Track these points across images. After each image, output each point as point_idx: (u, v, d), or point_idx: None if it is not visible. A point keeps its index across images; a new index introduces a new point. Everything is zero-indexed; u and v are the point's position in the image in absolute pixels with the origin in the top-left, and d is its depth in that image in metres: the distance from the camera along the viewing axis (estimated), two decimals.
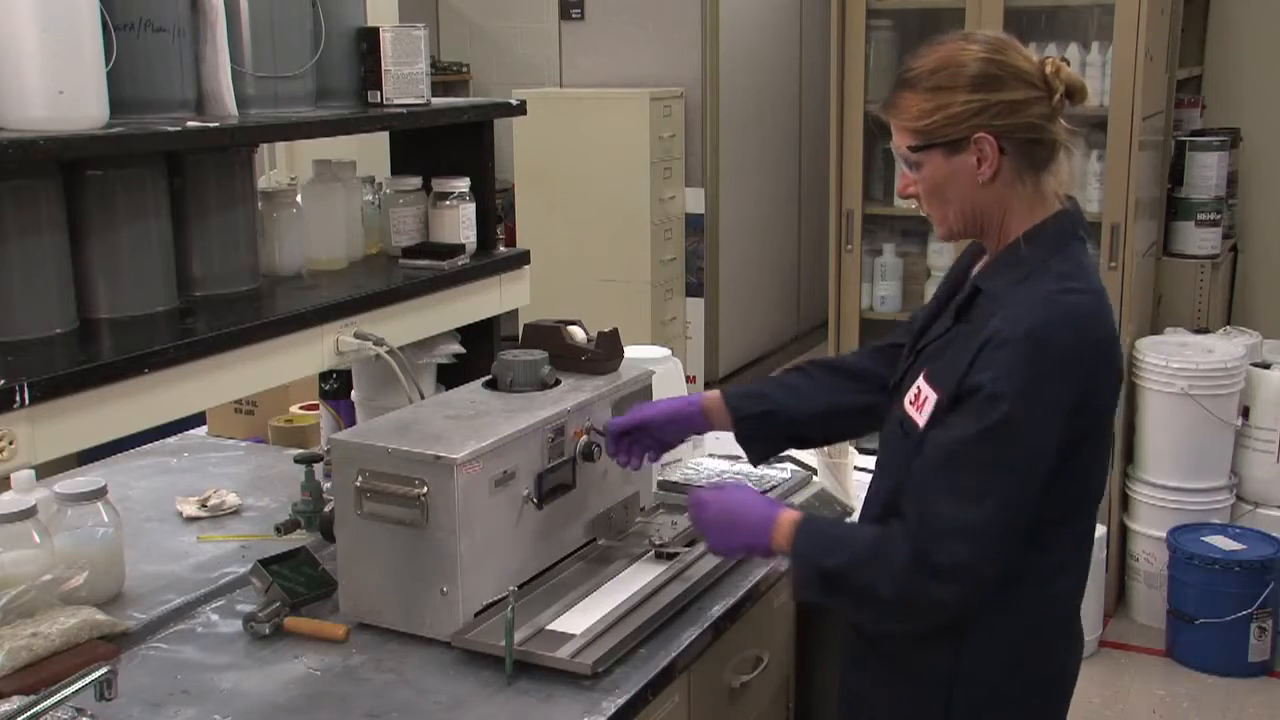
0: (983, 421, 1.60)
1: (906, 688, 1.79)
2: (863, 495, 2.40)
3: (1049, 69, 1.65)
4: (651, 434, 2.08)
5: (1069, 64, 1.69)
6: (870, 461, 2.68)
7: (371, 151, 2.57)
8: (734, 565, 2.12)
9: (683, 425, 2.09)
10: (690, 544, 2.10)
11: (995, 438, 1.60)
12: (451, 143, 2.39)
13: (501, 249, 2.45)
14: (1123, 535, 4.35)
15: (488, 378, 2.13)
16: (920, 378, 1.73)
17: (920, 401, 1.72)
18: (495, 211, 2.46)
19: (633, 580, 2.00)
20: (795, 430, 2.07)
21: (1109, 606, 4.27)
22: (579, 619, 1.87)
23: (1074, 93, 1.66)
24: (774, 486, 2.40)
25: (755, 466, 2.18)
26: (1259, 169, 5.60)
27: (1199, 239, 4.98)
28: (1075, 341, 1.62)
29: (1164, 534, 4.10)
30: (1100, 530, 3.70)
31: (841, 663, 1.91)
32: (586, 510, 2.08)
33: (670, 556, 2.07)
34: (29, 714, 1.52)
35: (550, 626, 1.86)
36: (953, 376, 1.65)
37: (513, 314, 2.47)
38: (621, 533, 2.14)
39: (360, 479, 1.85)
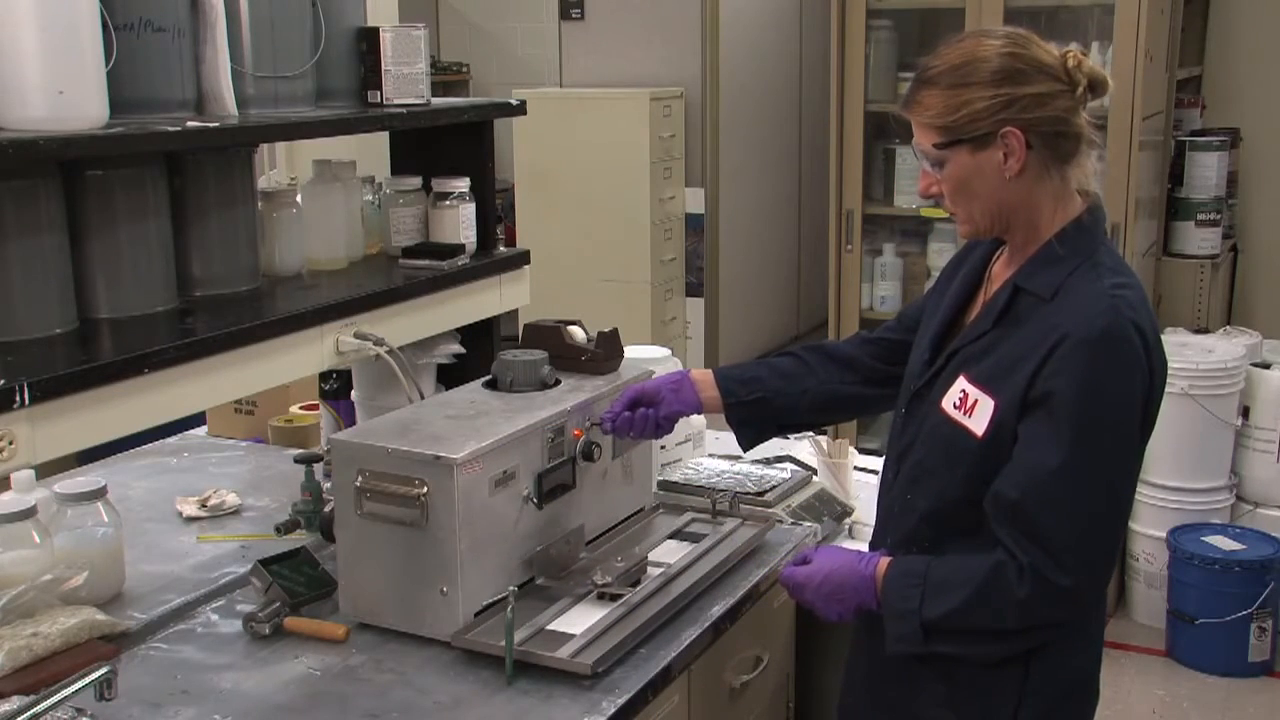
0: (1074, 429, 1.58)
1: (973, 705, 1.74)
2: (863, 495, 2.42)
3: (1070, 61, 1.64)
4: (645, 405, 2.04)
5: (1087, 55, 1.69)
6: (870, 461, 2.69)
7: (371, 151, 2.57)
8: (734, 565, 2.12)
9: (674, 392, 2.04)
10: (635, 584, 1.97)
11: (1090, 443, 1.59)
12: (451, 143, 2.39)
13: (501, 249, 2.45)
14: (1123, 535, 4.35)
15: (488, 378, 2.13)
16: (962, 380, 1.70)
17: (969, 406, 1.68)
18: (495, 211, 2.46)
19: (579, 619, 1.88)
20: (787, 419, 2.07)
21: (1109, 606, 4.27)
22: (579, 619, 1.87)
23: (1096, 85, 1.65)
24: (774, 487, 2.40)
25: (745, 452, 2.14)
26: (1259, 169, 5.60)
27: (1199, 239, 4.98)
28: (1141, 336, 1.61)
29: (1164, 534, 4.10)
30: None
31: (881, 679, 1.84)
32: (587, 510, 2.08)
33: (614, 598, 1.92)
34: (29, 714, 1.52)
35: (550, 626, 1.85)
36: (1015, 381, 1.63)
37: (513, 314, 2.47)
38: (564, 569, 2.01)
39: (360, 479, 1.85)
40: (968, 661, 1.71)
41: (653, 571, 2.02)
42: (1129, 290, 1.64)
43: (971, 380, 1.69)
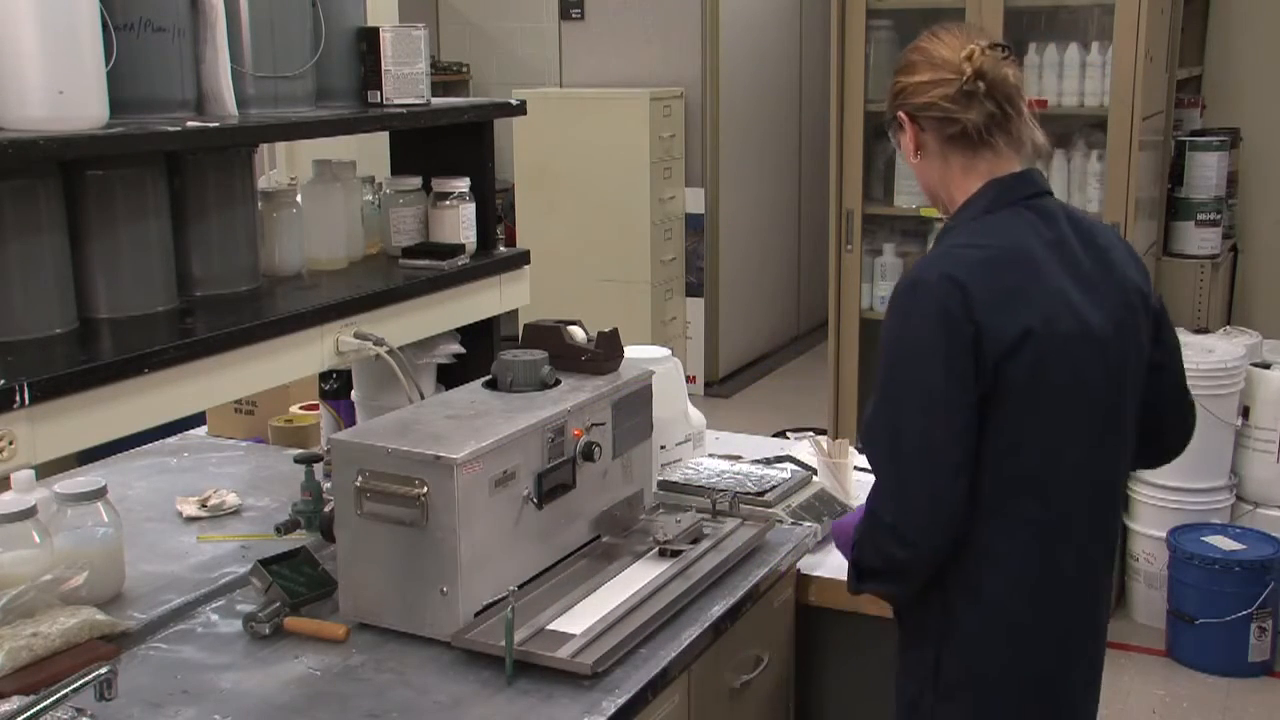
0: (880, 372, 1.74)
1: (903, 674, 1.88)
2: (862, 495, 2.42)
3: (964, 54, 1.75)
4: None
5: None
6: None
7: (371, 151, 2.57)
8: (734, 565, 2.12)
9: None
10: (694, 541, 2.12)
11: (886, 387, 1.73)
12: (451, 143, 2.39)
13: (501, 249, 2.45)
14: (1123, 535, 4.35)
15: (488, 378, 2.13)
16: None
17: None
18: (495, 211, 2.46)
19: (636, 577, 2.01)
20: None
21: (1110, 606, 4.27)
22: (579, 619, 1.87)
23: (984, 76, 1.74)
24: (774, 487, 2.40)
25: None
26: (1259, 169, 5.60)
27: (1199, 239, 4.98)
28: (955, 286, 1.67)
29: (1164, 534, 4.09)
30: None
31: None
32: (587, 510, 2.08)
33: (675, 554, 2.08)
34: (29, 714, 1.52)
35: (550, 626, 1.86)
36: None
37: (513, 314, 2.47)
38: (626, 530, 2.15)
39: (360, 479, 1.86)
40: (893, 607, 1.89)
41: (710, 531, 2.16)
42: (975, 250, 1.72)
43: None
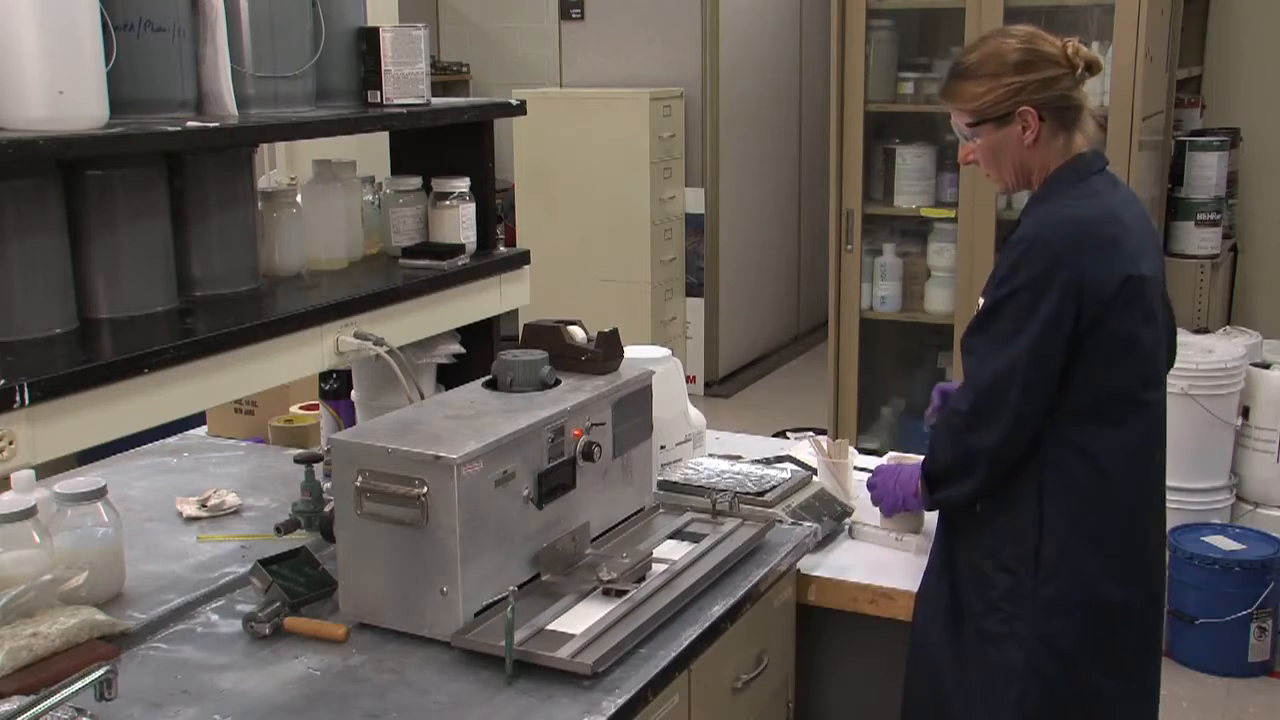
0: (990, 300, 2.04)
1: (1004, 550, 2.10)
2: (862, 495, 2.42)
3: (1069, 50, 2.08)
4: None
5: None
6: (870, 461, 2.70)
7: (371, 151, 2.57)
8: (734, 565, 2.12)
9: None
10: (640, 580, 1.97)
11: (994, 313, 2.03)
12: (451, 143, 2.39)
13: (501, 249, 2.45)
14: None
15: (488, 378, 2.13)
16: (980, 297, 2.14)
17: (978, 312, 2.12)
18: (495, 211, 2.46)
19: (579, 619, 1.88)
20: None
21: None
22: (579, 619, 1.87)
23: (1091, 65, 2.08)
24: (774, 487, 2.40)
25: None
26: (1259, 169, 5.61)
27: (1199, 239, 4.99)
28: (1066, 238, 1.99)
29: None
30: None
31: (947, 539, 2.17)
32: (587, 510, 2.08)
33: (619, 594, 1.93)
34: (29, 714, 1.52)
35: (550, 626, 1.86)
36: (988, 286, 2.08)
37: (513, 314, 2.47)
38: (569, 566, 2.01)
39: (360, 479, 1.85)
40: (969, 514, 2.11)
41: (657, 568, 2.03)
42: (1080, 209, 2.03)
43: (982, 294, 2.11)
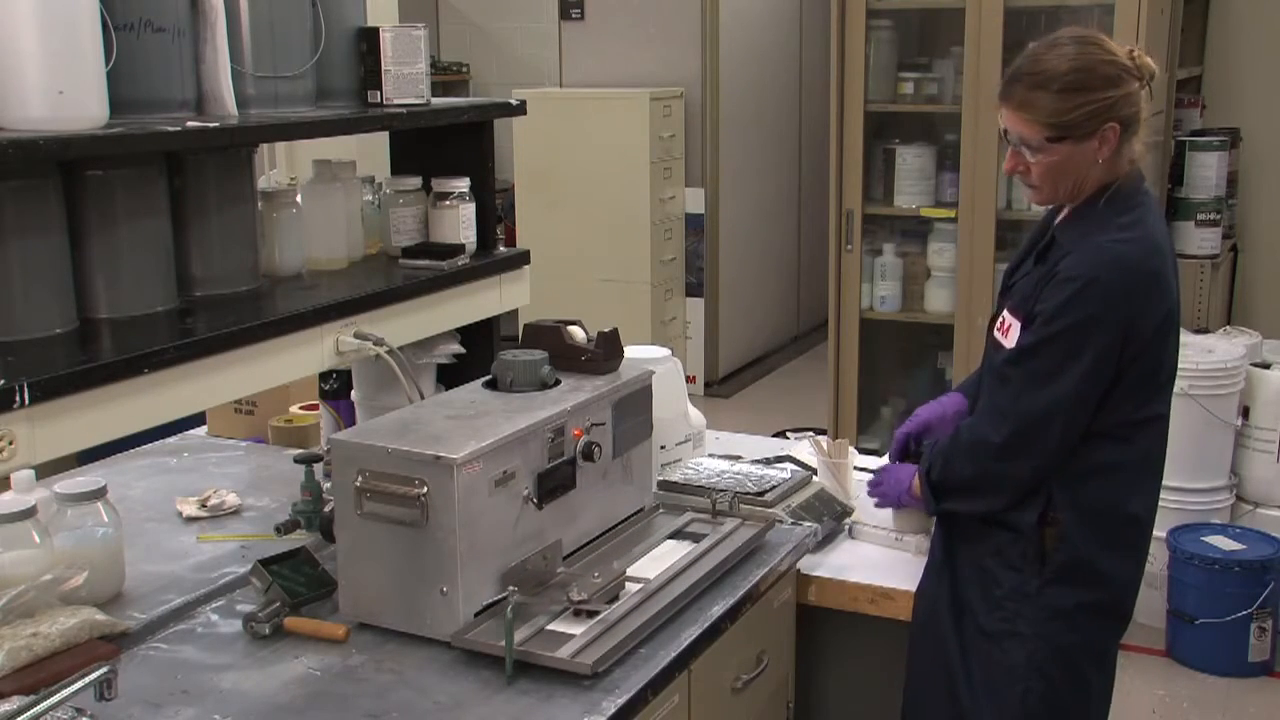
0: (1036, 334, 1.98)
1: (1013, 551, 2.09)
2: (862, 495, 2.42)
3: (1137, 59, 1.98)
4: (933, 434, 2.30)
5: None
6: (870, 461, 2.70)
7: (371, 151, 2.57)
8: (734, 565, 2.12)
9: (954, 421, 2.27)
10: (611, 601, 1.93)
11: (1041, 346, 1.97)
12: (451, 143, 2.39)
13: (501, 249, 2.45)
14: None
15: (488, 378, 2.13)
16: (1006, 309, 2.10)
17: (1005, 328, 2.08)
18: (495, 211, 2.46)
19: (574, 622, 1.86)
20: None
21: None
22: (578, 619, 1.87)
23: (1154, 75, 2.01)
24: (774, 487, 2.40)
25: None
26: (1259, 169, 5.60)
27: (1199, 239, 4.98)
28: (1118, 283, 1.94)
29: (1164, 534, 4.09)
30: None
31: (948, 540, 2.17)
32: (587, 510, 2.08)
33: (590, 615, 1.88)
34: (29, 714, 1.52)
35: (550, 626, 1.85)
36: (1027, 306, 2.01)
37: (513, 314, 2.47)
38: (540, 585, 1.94)
39: (360, 479, 1.85)
40: (973, 516, 2.10)
41: (631, 588, 1.98)
42: (1127, 245, 1.96)
43: (1010, 309, 2.08)
